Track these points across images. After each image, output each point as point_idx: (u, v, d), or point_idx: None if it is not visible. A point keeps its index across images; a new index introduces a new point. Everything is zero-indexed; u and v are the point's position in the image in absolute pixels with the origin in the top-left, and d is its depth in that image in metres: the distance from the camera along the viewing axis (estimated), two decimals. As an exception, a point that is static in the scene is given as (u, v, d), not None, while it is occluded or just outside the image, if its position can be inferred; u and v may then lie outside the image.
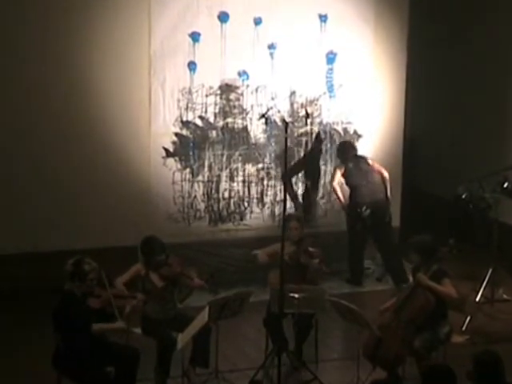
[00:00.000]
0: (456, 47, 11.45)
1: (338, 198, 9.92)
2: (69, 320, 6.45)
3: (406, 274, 9.11)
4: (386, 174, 9.90)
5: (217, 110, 9.75)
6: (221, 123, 9.79)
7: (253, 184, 10.03)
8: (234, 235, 9.99)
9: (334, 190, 9.91)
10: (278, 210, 10.04)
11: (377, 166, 9.93)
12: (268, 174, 10.04)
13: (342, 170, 9.86)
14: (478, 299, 8.93)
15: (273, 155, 9.99)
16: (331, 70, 10.09)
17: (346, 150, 9.94)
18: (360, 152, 10.23)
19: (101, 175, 9.36)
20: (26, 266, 8.96)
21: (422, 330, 7.02)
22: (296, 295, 7.19)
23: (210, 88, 9.66)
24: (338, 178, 9.85)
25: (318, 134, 10.09)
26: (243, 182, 9.99)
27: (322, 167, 10.23)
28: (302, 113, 9.84)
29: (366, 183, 9.84)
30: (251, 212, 10.06)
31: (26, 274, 8.94)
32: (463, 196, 9.42)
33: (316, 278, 7.91)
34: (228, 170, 9.90)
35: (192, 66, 9.54)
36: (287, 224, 7.69)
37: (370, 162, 9.95)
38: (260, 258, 8.03)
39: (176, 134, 9.64)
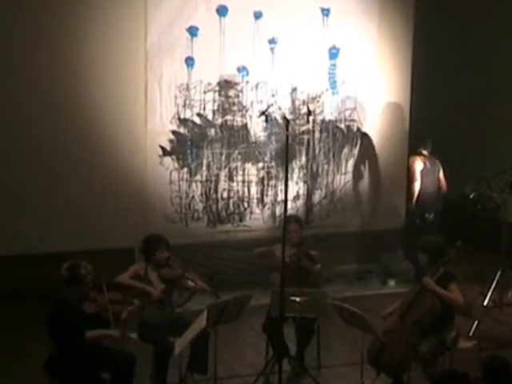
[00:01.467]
0: (463, 43, 11.44)
1: (413, 193, 10.04)
2: (63, 325, 6.45)
3: None
4: (445, 188, 10.20)
5: (215, 107, 9.74)
6: (219, 121, 9.78)
7: (253, 184, 10.02)
8: (233, 237, 9.98)
9: (415, 185, 10.02)
10: (278, 210, 10.04)
11: (443, 178, 10.20)
12: (268, 173, 10.04)
13: (421, 167, 10.02)
14: (485, 303, 8.91)
15: (273, 154, 9.99)
16: (334, 65, 10.09)
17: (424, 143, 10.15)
18: (365, 150, 10.26)
19: (95, 174, 9.34)
20: (20, 269, 8.93)
21: (427, 335, 7.02)
22: (297, 299, 7.18)
23: (209, 84, 9.65)
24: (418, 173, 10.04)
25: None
26: (243, 181, 9.98)
27: (325, 166, 10.23)
28: (304, 110, 9.86)
29: (435, 189, 10.12)
30: (251, 213, 10.05)
31: (21, 276, 8.91)
32: (471, 196, 9.42)
33: (318, 281, 7.90)
34: (227, 170, 9.89)
35: (190, 61, 9.53)
36: (286, 226, 7.68)
37: (441, 172, 10.17)
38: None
39: (173, 132, 9.64)
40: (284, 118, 8.66)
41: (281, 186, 9.94)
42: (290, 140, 9.42)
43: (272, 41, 9.79)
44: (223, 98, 9.74)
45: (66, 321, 6.44)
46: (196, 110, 9.67)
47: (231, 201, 9.97)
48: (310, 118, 9.77)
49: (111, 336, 6.66)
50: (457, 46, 11.45)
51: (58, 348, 6.52)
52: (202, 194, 9.85)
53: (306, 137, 10.13)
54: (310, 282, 7.74)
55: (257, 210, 10.07)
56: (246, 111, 9.84)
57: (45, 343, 6.63)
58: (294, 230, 7.93)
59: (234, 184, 9.95)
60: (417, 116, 10.70)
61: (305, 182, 10.20)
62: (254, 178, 10.01)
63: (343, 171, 10.34)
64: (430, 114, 11.25)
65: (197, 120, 9.71)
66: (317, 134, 10.17)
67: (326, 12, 9.93)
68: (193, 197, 9.81)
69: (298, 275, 7.67)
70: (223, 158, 9.85)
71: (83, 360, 6.49)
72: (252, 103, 9.83)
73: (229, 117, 9.80)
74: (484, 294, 8.95)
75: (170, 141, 9.63)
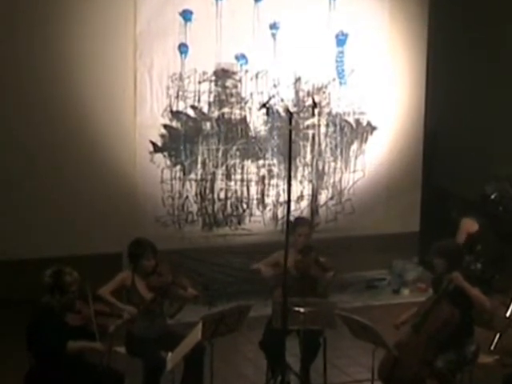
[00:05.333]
0: (482, 28, 11.44)
1: None
2: (44, 338, 6.44)
3: None
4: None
5: (211, 99, 9.76)
6: (216, 114, 9.79)
7: (252, 183, 10.04)
8: (231, 241, 10.00)
9: None
10: (280, 212, 10.05)
11: None
12: (270, 171, 10.05)
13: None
14: (508, 314, 8.92)
15: (275, 150, 9.99)
16: (342, 53, 10.10)
17: None
18: (374, 147, 10.28)
19: (80, 173, 9.33)
20: (2, 275, 8.92)
21: (445, 349, 7.01)
22: (301, 309, 7.16)
23: (204, 74, 9.67)
24: None
25: None
26: (241, 180, 9.99)
27: (332, 164, 10.24)
28: (309, 102, 9.84)
29: None
30: (250, 215, 10.06)
31: (3, 282, 8.90)
32: (492, 196, 9.43)
33: (327, 291, 7.89)
34: (224, 167, 9.90)
35: (183, 48, 9.54)
36: (296, 229, 7.67)
37: None
38: (264, 271, 7.92)
39: (165, 126, 9.64)
40: (287, 110, 8.66)
41: (283, 186, 9.95)
42: (294, 135, 9.45)
43: (273, 26, 9.80)
44: (220, 89, 9.75)
45: (46, 333, 6.43)
46: (190, 101, 9.68)
47: (229, 202, 9.98)
48: (316, 111, 9.73)
49: (95, 349, 6.63)
50: (479, 30, 11.43)
51: (39, 362, 6.51)
52: (196, 194, 9.85)
53: (310, 131, 10.15)
54: (319, 293, 7.71)
55: (257, 212, 10.08)
56: (245, 103, 9.85)
57: (18, 359, 6.64)
58: (304, 234, 7.89)
59: (232, 183, 9.96)
60: (432, 108, 10.70)
61: (310, 181, 10.21)
62: (253, 177, 10.02)
63: (352, 169, 10.36)
64: (448, 106, 11.26)
65: (191, 113, 9.72)
66: (323, 129, 10.19)
67: (332, -6, 9.97)
68: (187, 197, 9.81)
69: (305, 285, 7.66)
70: (220, 154, 9.86)
71: (66, 377, 6.48)
72: (252, 94, 9.84)
73: (226, 109, 9.81)
74: (506, 304, 8.95)
75: (162, 136, 9.63)
